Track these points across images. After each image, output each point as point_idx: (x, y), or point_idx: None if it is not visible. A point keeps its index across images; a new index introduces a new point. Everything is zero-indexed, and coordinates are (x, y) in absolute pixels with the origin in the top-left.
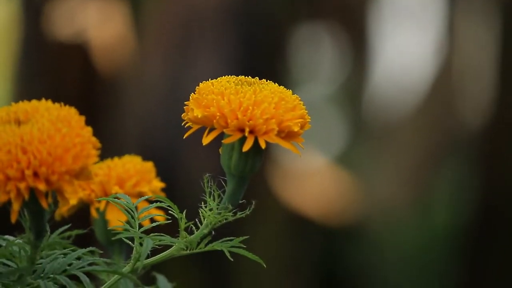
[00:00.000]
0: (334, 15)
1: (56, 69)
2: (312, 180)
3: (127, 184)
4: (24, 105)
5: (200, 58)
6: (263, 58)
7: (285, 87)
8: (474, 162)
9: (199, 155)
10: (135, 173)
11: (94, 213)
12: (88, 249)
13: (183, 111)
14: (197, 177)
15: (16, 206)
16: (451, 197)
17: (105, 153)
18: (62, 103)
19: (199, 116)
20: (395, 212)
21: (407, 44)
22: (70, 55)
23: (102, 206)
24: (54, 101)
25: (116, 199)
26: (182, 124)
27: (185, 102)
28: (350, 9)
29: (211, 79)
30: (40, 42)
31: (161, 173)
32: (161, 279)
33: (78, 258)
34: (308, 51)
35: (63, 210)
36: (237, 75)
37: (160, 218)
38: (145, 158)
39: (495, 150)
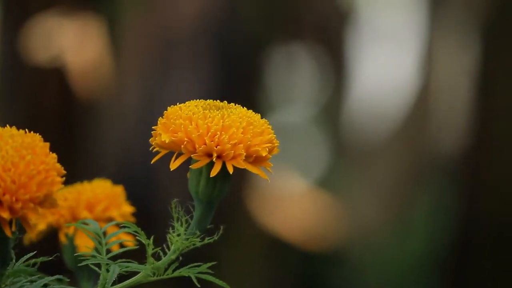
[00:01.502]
0: (313, 36)
1: (33, 92)
2: (292, 204)
3: (97, 209)
4: None
5: (178, 79)
6: (242, 78)
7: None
8: (453, 184)
9: (177, 177)
10: (104, 197)
11: (63, 238)
12: (55, 276)
13: None
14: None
15: None
16: (431, 219)
17: (83, 176)
18: (39, 127)
19: (166, 141)
20: (375, 235)
21: (386, 66)
22: (47, 78)
23: (71, 231)
24: (31, 124)
25: (84, 225)
26: (150, 148)
27: (152, 127)
28: (329, 30)
29: (189, 100)
30: (17, 65)
31: (139, 195)
32: None
33: (45, 286)
34: (287, 72)
35: (31, 235)
36: (215, 96)
37: (129, 243)
38: (123, 179)
39: (473, 173)
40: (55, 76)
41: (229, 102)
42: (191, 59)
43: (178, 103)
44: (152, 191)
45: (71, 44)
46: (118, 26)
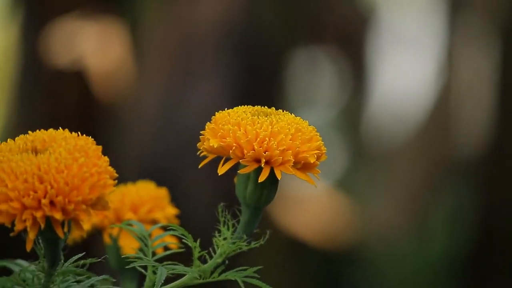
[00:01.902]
0: (334, 39)
1: (54, 95)
2: (311, 205)
3: (141, 210)
4: (41, 134)
5: (199, 83)
6: (262, 82)
7: (298, 117)
8: (473, 188)
9: (198, 181)
10: (149, 199)
11: (107, 239)
12: (101, 277)
13: (182, 136)
14: (197, 203)
15: (32, 235)
16: (450, 222)
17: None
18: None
19: (215, 146)
20: (394, 237)
21: (406, 70)
22: (68, 81)
23: (115, 232)
24: (52, 127)
25: (129, 226)
26: (198, 153)
27: (200, 132)
28: (349, 34)
29: (210, 104)
30: (38, 69)
31: None
32: None
33: (92, 286)
34: (307, 75)
35: (76, 235)
36: (237, 100)
37: (174, 246)
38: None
39: (493, 176)
40: (76, 79)
41: (249, 105)
42: (212, 62)
43: (199, 107)
44: (171, 194)
45: (92, 47)
46: (139, 30)
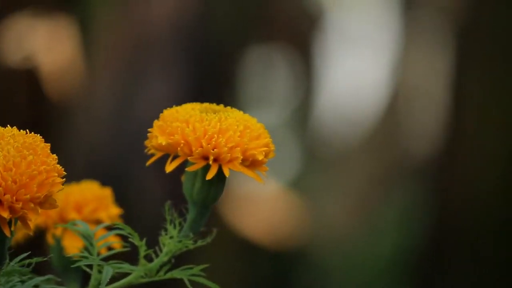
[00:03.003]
0: (285, 39)
1: (4, 93)
2: (263, 205)
3: (85, 210)
4: None
5: (151, 82)
6: (214, 81)
7: (247, 114)
8: (423, 188)
9: (150, 180)
10: (92, 199)
11: (50, 239)
12: (46, 277)
13: (133, 135)
14: (148, 202)
15: None
16: (400, 222)
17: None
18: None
19: (163, 144)
20: (345, 237)
21: (358, 70)
22: (19, 79)
23: (58, 232)
24: (2, 125)
25: (73, 226)
26: (145, 150)
27: (148, 129)
28: (300, 33)
29: (162, 102)
30: None
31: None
32: None
33: (36, 286)
34: (259, 75)
35: (18, 236)
36: (188, 99)
37: (117, 245)
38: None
39: (444, 177)
40: (27, 77)
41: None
42: (164, 60)
43: (151, 105)
44: (122, 193)
45: (43, 46)
46: (90, 28)
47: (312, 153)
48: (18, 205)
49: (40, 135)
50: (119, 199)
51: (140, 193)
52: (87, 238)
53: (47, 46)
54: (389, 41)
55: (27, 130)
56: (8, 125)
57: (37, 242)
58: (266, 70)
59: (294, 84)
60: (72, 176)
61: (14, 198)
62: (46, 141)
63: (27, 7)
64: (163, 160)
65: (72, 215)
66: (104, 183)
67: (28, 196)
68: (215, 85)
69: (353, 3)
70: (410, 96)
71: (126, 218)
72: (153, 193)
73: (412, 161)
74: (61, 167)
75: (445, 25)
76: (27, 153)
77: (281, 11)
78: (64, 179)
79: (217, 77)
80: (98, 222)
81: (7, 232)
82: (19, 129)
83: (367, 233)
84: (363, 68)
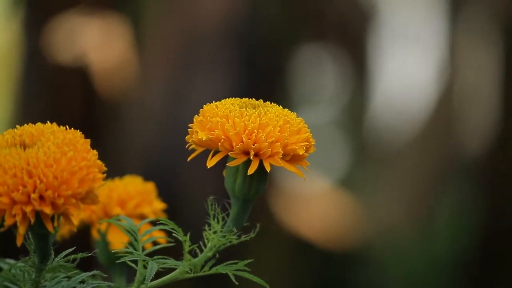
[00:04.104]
0: (336, 37)
1: (57, 92)
2: (314, 204)
3: (128, 205)
4: (29, 128)
5: (201, 79)
6: (264, 79)
7: (286, 108)
8: (477, 185)
9: (201, 176)
10: (136, 194)
11: (95, 234)
12: (91, 272)
13: (185, 132)
14: (198, 198)
15: (22, 230)
16: (454, 220)
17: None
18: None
19: (203, 139)
20: (398, 235)
21: (409, 68)
22: (71, 77)
23: (103, 227)
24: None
25: (118, 221)
26: (186, 146)
27: (189, 125)
28: (352, 31)
29: (213, 100)
30: (41, 65)
31: (162, 194)
32: None
33: (82, 282)
34: (310, 72)
35: (64, 231)
36: (238, 96)
37: (162, 240)
38: (146, 179)
39: (498, 174)
40: (79, 75)
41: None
42: (215, 58)
43: (202, 102)
44: (173, 189)
45: (95, 44)
46: (141, 26)
47: (364, 151)
48: (60, 201)
49: (91, 132)
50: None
51: (189, 189)
52: (132, 233)
53: (99, 44)
54: (439, 39)
55: (79, 127)
56: (60, 123)
57: (82, 238)
58: (317, 68)
59: (345, 81)
60: (124, 173)
61: (56, 194)
62: (97, 138)
63: (79, 5)
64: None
65: (116, 210)
66: (155, 179)
67: (69, 192)
68: (265, 83)
69: (404, 1)
70: (462, 93)
71: (171, 213)
72: (203, 189)
73: (464, 158)
74: (101, 162)
75: (494, 22)
76: (67, 149)
77: (332, 8)
78: (105, 174)
79: (267, 74)
80: (142, 217)
81: (50, 228)
82: (70, 126)
83: (419, 231)
84: (414, 66)
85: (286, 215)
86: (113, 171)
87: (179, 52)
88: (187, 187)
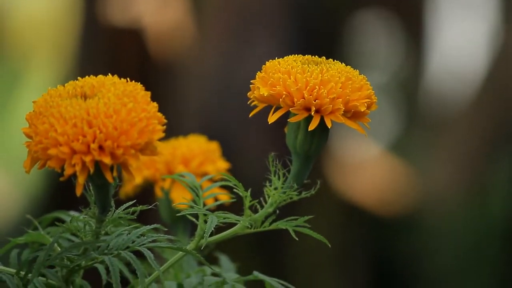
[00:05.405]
0: (389, 3)
1: (113, 54)
2: (366, 169)
3: (192, 164)
4: (90, 80)
5: (257, 44)
6: (318, 45)
7: (348, 66)
8: None
9: (257, 136)
10: (200, 152)
11: (158, 191)
12: (152, 226)
13: (240, 96)
14: (255, 158)
15: (81, 179)
16: (507, 186)
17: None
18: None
19: (265, 95)
20: (450, 201)
21: (463, 33)
22: (127, 40)
23: (166, 184)
24: None
25: (181, 177)
26: (248, 102)
27: (251, 81)
28: None
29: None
30: (97, 28)
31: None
32: (224, 260)
33: (142, 235)
34: (366, 38)
35: (128, 188)
36: None
37: (224, 197)
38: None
39: None
40: (135, 39)
41: None
42: (270, 24)
43: (255, 65)
44: (231, 150)
45: (151, 6)
46: None
47: (418, 115)
48: (119, 151)
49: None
50: (225, 154)
51: (245, 147)
52: (194, 190)
53: (155, 7)
54: (493, 4)
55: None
56: None
57: (146, 196)
58: (373, 34)
59: (401, 47)
60: (181, 132)
61: (115, 144)
62: (153, 99)
63: None
64: (267, 113)
65: (179, 168)
66: (211, 139)
67: (129, 142)
68: (319, 49)
69: None
70: None
71: (236, 173)
72: (258, 147)
73: None
74: (161, 114)
75: None
76: (127, 100)
77: None
78: (165, 126)
79: (321, 41)
80: (205, 175)
81: (109, 178)
82: None
83: (473, 197)
84: (468, 31)
85: (337, 181)
86: (171, 131)
87: (234, 16)
88: (244, 146)
